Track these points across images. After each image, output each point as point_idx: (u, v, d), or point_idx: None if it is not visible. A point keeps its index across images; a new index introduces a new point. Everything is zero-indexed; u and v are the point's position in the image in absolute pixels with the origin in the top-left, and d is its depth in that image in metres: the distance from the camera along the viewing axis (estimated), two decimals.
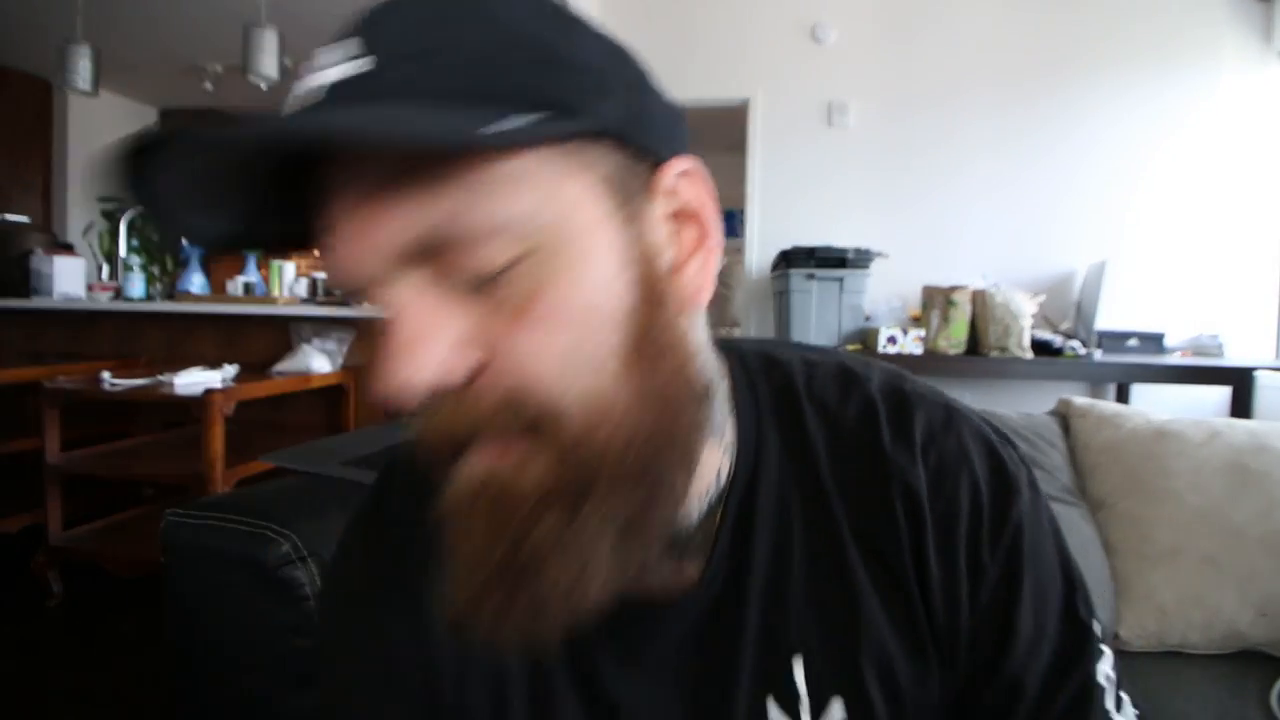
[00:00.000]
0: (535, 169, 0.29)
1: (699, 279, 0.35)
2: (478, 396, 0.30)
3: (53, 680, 1.76)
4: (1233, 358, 3.01)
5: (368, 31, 0.30)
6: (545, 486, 0.30)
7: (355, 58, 0.29)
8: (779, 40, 3.85)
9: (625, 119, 0.32)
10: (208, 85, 4.23)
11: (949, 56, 3.66)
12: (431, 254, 0.29)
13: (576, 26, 0.33)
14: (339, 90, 0.29)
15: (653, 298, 0.32)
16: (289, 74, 3.26)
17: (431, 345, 0.29)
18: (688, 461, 0.34)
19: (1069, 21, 3.55)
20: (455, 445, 0.31)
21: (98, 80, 3.07)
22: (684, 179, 0.35)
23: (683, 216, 0.35)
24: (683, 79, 4.05)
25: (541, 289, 0.30)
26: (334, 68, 0.29)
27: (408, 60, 0.29)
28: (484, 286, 0.29)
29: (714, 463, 0.39)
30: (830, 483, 0.41)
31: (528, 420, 0.30)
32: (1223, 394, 2.63)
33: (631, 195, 0.33)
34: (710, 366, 0.36)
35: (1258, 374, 2.41)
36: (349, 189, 0.29)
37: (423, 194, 0.28)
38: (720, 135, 4.36)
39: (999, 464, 0.42)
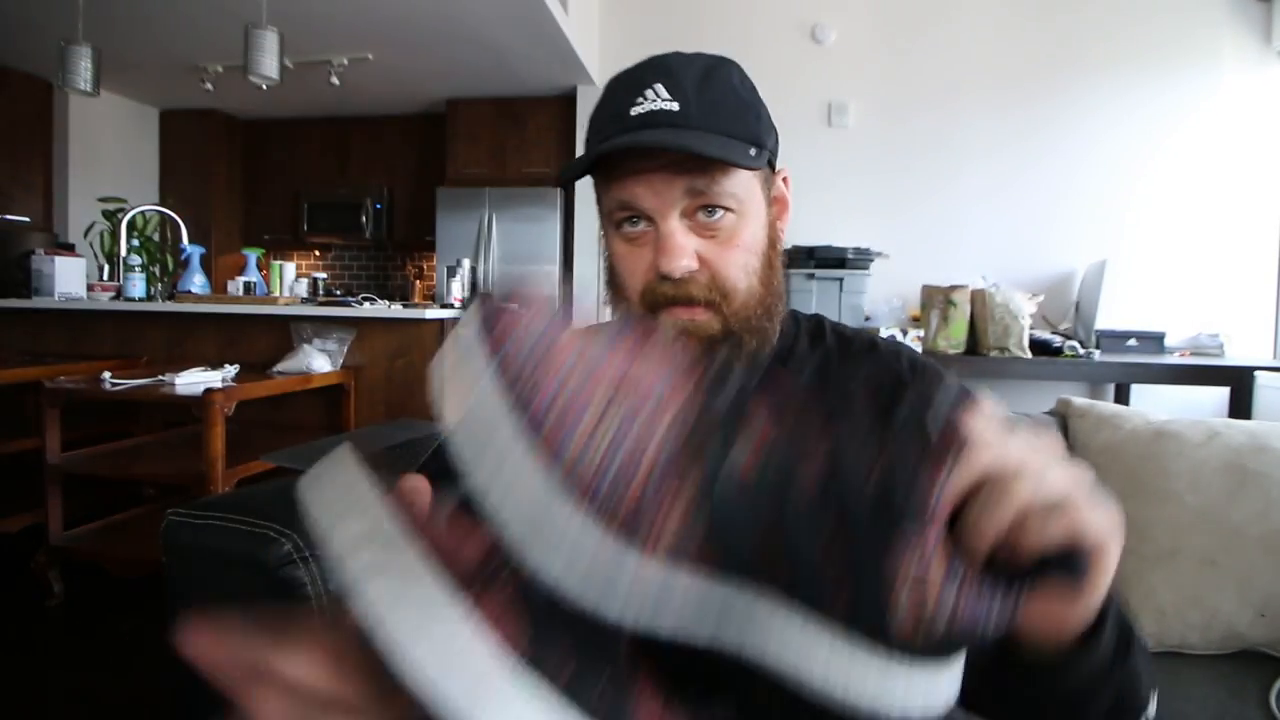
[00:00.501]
0: (749, 177, 0.57)
1: (782, 235, 0.63)
2: (697, 281, 0.55)
3: (53, 680, 1.77)
4: (1232, 358, 3.01)
5: (667, 81, 0.55)
6: (718, 332, 0.56)
7: (669, 99, 0.54)
8: (779, 40, 3.85)
9: (773, 149, 0.60)
10: (208, 85, 4.22)
11: (949, 57, 3.66)
12: (694, 194, 0.54)
13: (756, 91, 0.59)
14: (667, 116, 0.54)
15: (772, 241, 0.60)
16: (289, 74, 3.26)
17: (685, 252, 0.54)
18: (775, 328, 0.60)
19: (1069, 22, 3.55)
20: (667, 304, 0.55)
21: (98, 80, 3.06)
22: (782, 181, 0.63)
23: (777, 198, 0.62)
24: None
25: (738, 232, 0.57)
26: (658, 101, 0.54)
27: (699, 108, 0.54)
28: (708, 229, 0.56)
29: None
30: (835, 363, 0.63)
31: (718, 297, 0.56)
32: (1222, 394, 2.63)
33: (769, 189, 0.61)
34: (782, 283, 0.61)
35: (1257, 374, 2.41)
36: (661, 164, 0.53)
37: (701, 170, 0.54)
38: None
39: (968, 391, 0.58)
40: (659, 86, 0.54)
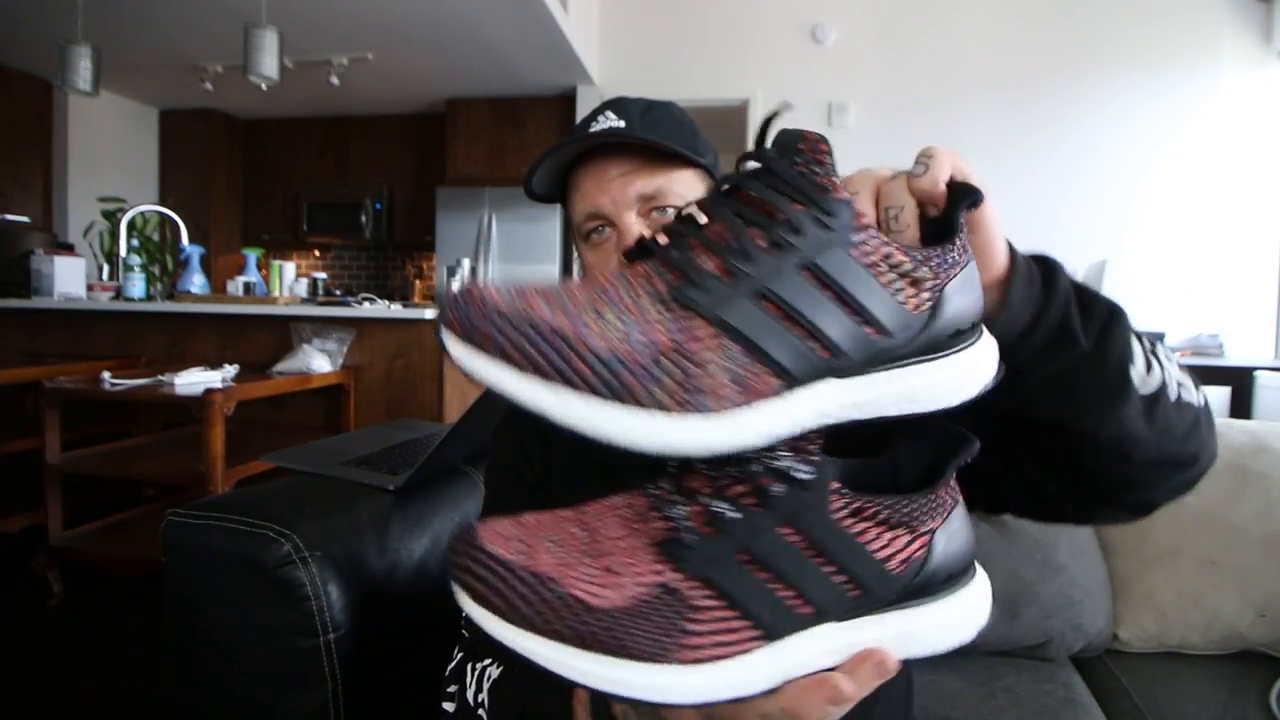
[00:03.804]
0: (692, 177, 0.65)
1: None
2: None
3: (53, 680, 1.77)
4: (1233, 358, 3.01)
5: (615, 108, 0.65)
6: None
7: (617, 120, 0.64)
8: (779, 40, 3.85)
9: (712, 165, 0.66)
10: (208, 85, 4.22)
11: (949, 57, 3.66)
12: (648, 199, 0.63)
13: (695, 124, 0.68)
14: (617, 132, 0.62)
15: None
16: (289, 74, 3.26)
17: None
18: None
19: (1069, 23, 3.55)
20: None
21: (98, 80, 3.06)
22: None
23: None
24: (684, 79, 4.05)
25: None
26: (609, 122, 0.64)
27: (643, 125, 0.63)
28: (659, 219, 0.62)
29: None
30: None
31: None
32: (1222, 394, 2.64)
33: None
34: None
35: (1257, 374, 2.42)
36: (619, 170, 0.63)
37: (655, 173, 0.63)
38: (720, 135, 4.35)
39: None
40: (609, 112, 0.65)
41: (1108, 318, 0.42)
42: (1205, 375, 2.67)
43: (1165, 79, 3.46)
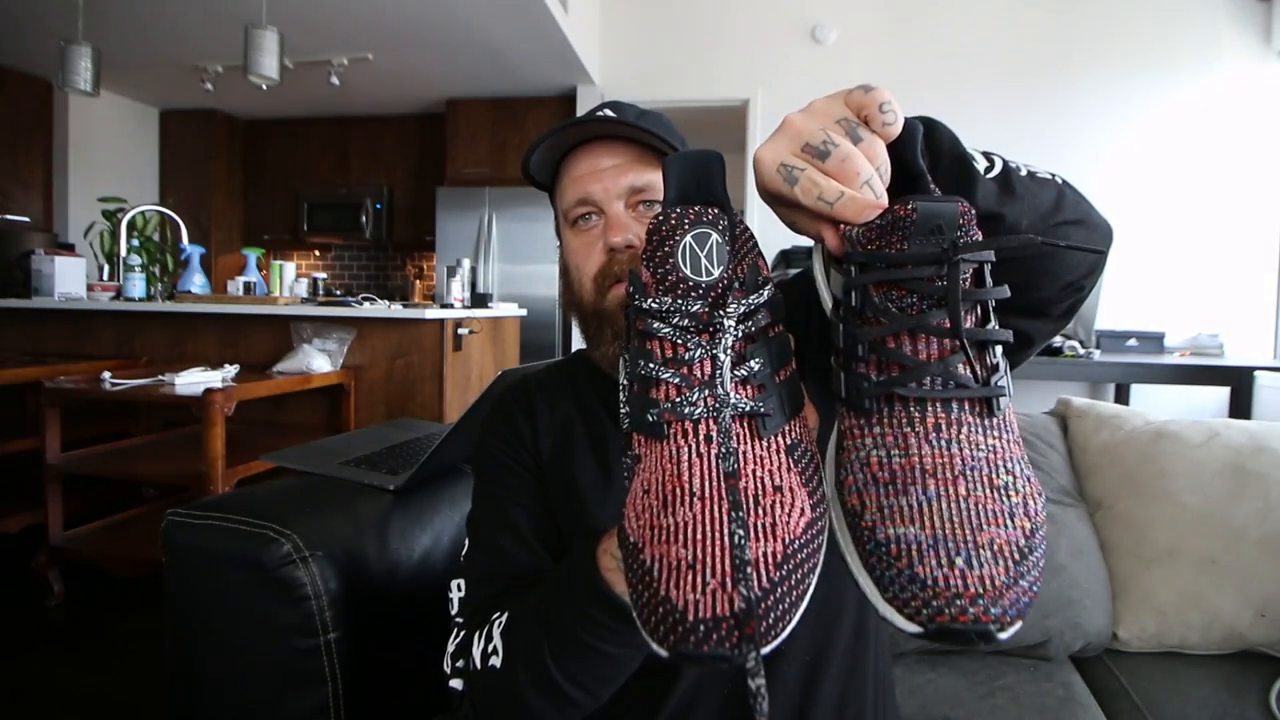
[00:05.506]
0: None
1: None
2: (635, 257, 0.63)
3: (53, 680, 1.77)
4: (1232, 358, 3.01)
5: (613, 107, 0.68)
6: None
7: (613, 112, 0.67)
8: (779, 40, 3.85)
9: None
10: (208, 85, 4.22)
11: (948, 58, 3.66)
12: (638, 191, 0.66)
13: (674, 126, 0.71)
14: (619, 119, 0.66)
15: None
16: (289, 74, 3.26)
17: (630, 228, 0.65)
18: None
19: (1069, 22, 3.55)
20: (615, 282, 0.65)
21: (98, 80, 3.06)
22: None
23: None
24: (683, 79, 4.05)
25: None
26: (604, 113, 0.67)
27: (639, 123, 0.66)
28: (645, 213, 0.66)
29: None
30: None
31: None
32: (1222, 394, 2.63)
33: None
34: None
35: (1257, 374, 2.41)
36: (613, 160, 0.67)
37: (647, 169, 0.66)
38: (720, 135, 4.36)
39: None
40: (606, 110, 0.68)
41: (925, 124, 0.45)
42: (1205, 375, 2.67)
43: (1165, 78, 3.46)
